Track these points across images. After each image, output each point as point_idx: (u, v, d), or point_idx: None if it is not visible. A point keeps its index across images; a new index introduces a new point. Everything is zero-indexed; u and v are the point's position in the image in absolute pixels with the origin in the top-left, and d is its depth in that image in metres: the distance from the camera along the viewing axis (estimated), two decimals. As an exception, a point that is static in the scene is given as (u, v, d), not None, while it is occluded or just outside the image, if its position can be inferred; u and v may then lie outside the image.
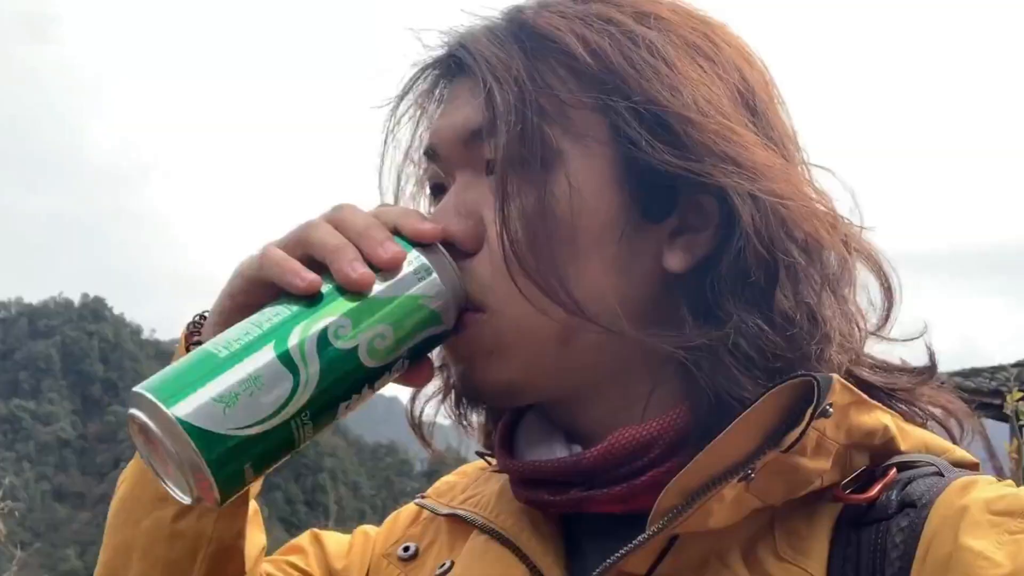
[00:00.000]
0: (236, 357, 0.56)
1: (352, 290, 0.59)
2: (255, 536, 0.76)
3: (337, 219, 0.63)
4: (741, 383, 0.60)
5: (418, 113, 0.71)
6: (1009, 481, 0.60)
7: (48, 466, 63.01)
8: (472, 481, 0.77)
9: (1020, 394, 2.59)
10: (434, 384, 0.72)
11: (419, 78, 0.71)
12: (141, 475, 0.72)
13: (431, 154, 0.69)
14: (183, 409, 0.54)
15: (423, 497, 0.80)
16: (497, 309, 0.64)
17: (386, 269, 0.61)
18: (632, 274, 0.64)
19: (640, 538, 0.59)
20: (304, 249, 0.62)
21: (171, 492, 0.59)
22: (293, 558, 0.83)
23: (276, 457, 0.58)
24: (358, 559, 0.82)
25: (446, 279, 0.63)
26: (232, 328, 0.59)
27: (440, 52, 0.69)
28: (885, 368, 0.67)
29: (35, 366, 68.45)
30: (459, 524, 0.73)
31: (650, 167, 0.62)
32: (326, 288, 0.60)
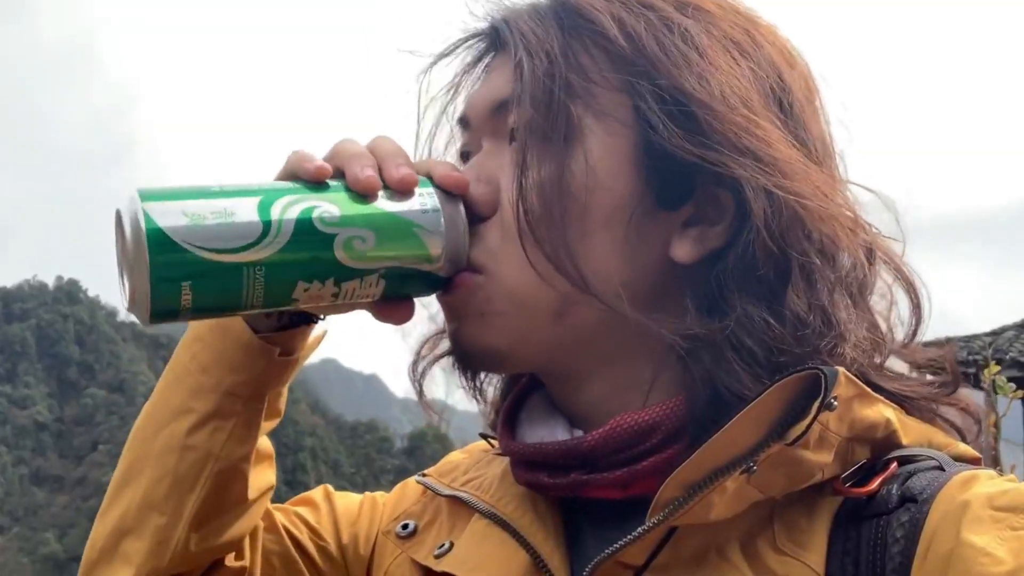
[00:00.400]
0: (223, 194, 0.60)
1: (355, 190, 0.63)
2: (265, 472, 0.78)
3: (371, 142, 0.67)
4: (741, 378, 0.60)
5: (457, 82, 0.73)
6: (1011, 476, 0.60)
7: (25, 450, 62.63)
8: (475, 462, 0.77)
9: (996, 368, 2.57)
10: (441, 348, 0.74)
11: (460, 46, 0.72)
12: (162, 393, 0.75)
13: (464, 122, 0.71)
14: (151, 207, 0.58)
15: (425, 475, 0.80)
16: (496, 273, 0.65)
17: (396, 190, 0.64)
18: (638, 258, 0.64)
19: (639, 530, 0.59)
20: (334, 159, 0.65)
21: (122, 295, 0.62)
22: (303, 510, 0.85)
23: (218, 298, 0.60)
24: (364, 530, 0.83)
25: (450, 224, 0.64)
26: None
27: (484, 24, 0.71)
28: (903, 379, 0.67)
29: (10, 349, 67.89)
30: (460, 505, 0.74)
31: (667, 153, 0.62)
32: (334, 183, 0.63)
